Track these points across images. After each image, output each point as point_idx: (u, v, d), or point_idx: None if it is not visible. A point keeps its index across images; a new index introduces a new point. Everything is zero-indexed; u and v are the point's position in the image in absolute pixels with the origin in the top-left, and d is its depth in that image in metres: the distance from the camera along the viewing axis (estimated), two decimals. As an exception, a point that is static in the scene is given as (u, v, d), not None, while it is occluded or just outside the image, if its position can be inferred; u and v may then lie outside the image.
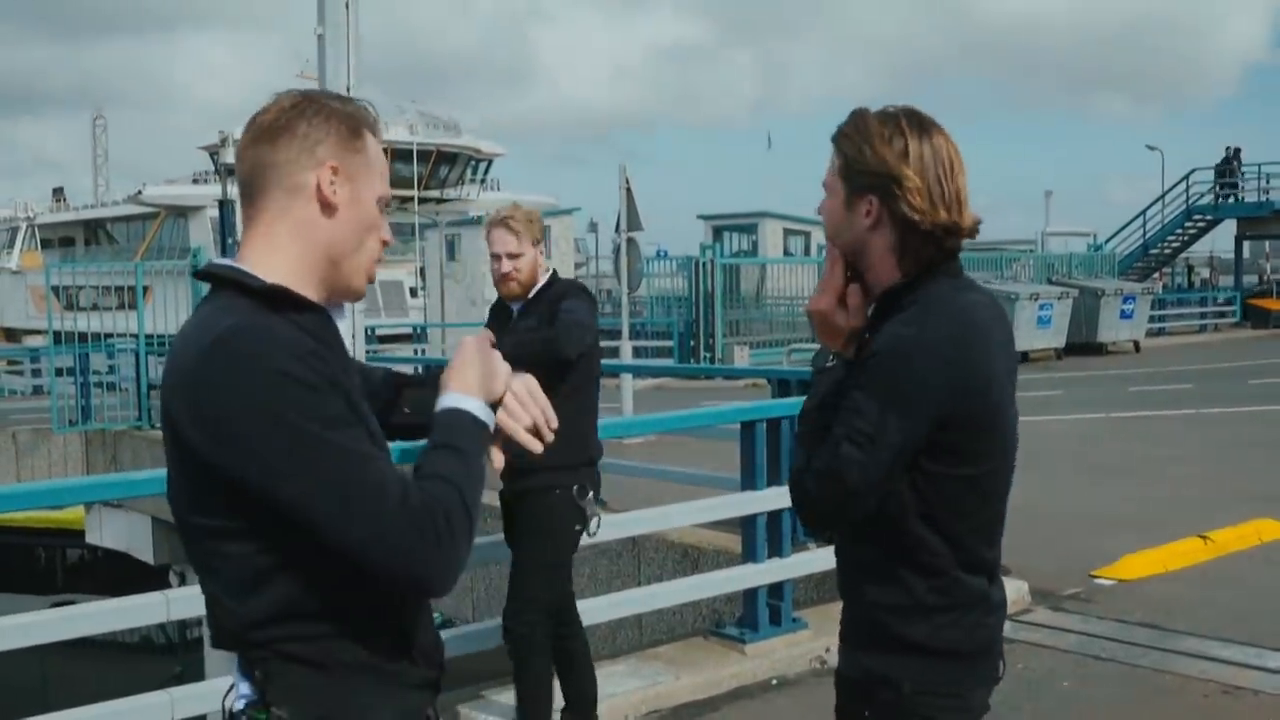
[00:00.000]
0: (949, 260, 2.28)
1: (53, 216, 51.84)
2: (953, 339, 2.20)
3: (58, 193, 55.38)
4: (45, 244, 50.13)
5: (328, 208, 1.87)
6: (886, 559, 2.30)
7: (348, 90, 6.60)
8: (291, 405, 1.69)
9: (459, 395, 1.88)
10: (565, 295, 4.47)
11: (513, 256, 4.48)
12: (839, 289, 2.33)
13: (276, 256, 1.86)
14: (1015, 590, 6.66)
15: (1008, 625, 6.48)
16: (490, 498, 3.69)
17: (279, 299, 1.81)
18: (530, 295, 4.55)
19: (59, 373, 17.83)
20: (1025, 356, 22.37)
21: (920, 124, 2.25)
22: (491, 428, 1.90)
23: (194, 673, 12.46)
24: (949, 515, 2.27)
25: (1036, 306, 22.76)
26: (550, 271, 4.62)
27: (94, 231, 49.68)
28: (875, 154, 2.22)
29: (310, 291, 1.87)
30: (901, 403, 2.17)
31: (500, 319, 4.61)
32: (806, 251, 28.86)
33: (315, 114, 1.88)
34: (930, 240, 2.23)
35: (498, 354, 1.94)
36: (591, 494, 4.49)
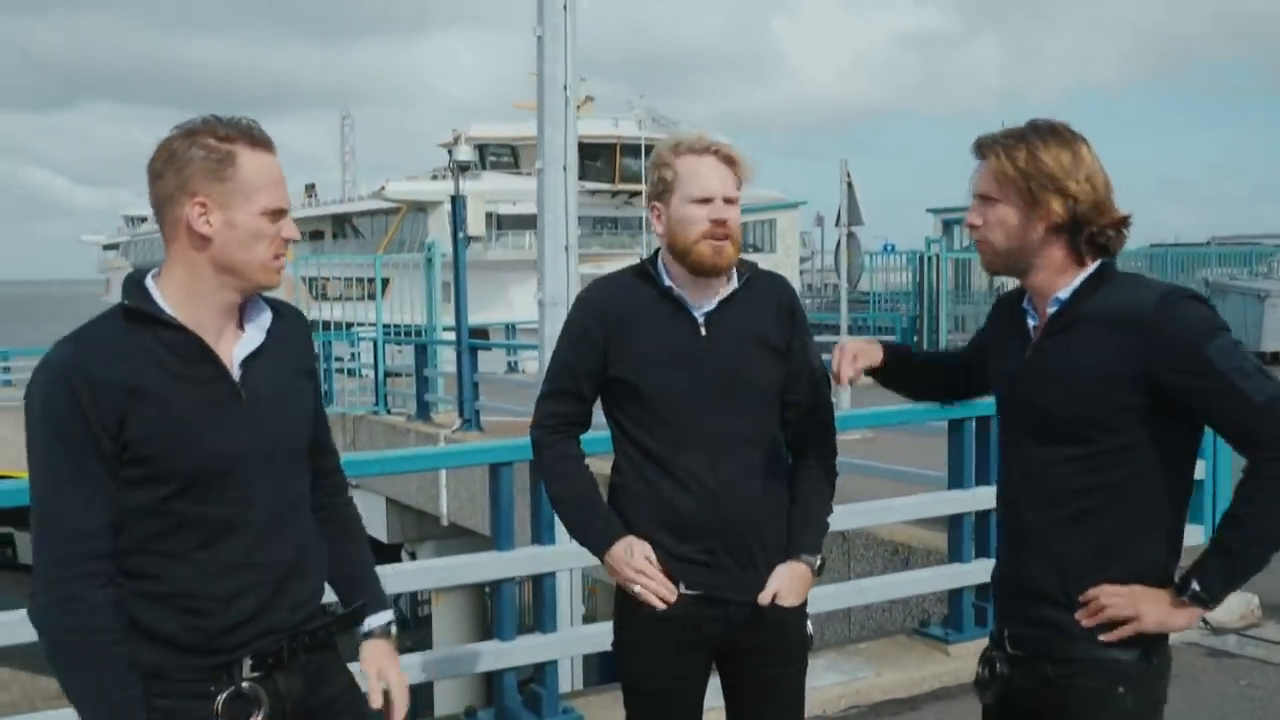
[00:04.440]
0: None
1: (304, 211, 54.77)
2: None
3: (309, 188, 58.62)
4: (298, 237, 53.01)
5: (202, 238, 2.13)
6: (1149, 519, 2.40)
7: (564, 88, 6.81)
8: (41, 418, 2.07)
9: None
10: (797, 308, 2.92)
11: (731, 202, 2.74)
12: None
13: (175, 276, 2.18)
14: (1244, 603, 6.34)
15: (1233, 639, 6.18)
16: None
17: (141, 317, 2.13)
18: (733, 286, 2.81)
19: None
20: (1276, 357, 21.12)
21: (1074, 135, 2.40)
22: None
23: (423, 647, 12.99)
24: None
25: (1291, 305, 21.36)
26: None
27: (341, 225, 52.30)
28: (1057, 163, 2.35)
29: (208, 301, 2.17)
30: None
31: (663, 312, 2.78)
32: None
33: (180, 156, 2.12)
34: (1100, 240, 2.39)
35: None
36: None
